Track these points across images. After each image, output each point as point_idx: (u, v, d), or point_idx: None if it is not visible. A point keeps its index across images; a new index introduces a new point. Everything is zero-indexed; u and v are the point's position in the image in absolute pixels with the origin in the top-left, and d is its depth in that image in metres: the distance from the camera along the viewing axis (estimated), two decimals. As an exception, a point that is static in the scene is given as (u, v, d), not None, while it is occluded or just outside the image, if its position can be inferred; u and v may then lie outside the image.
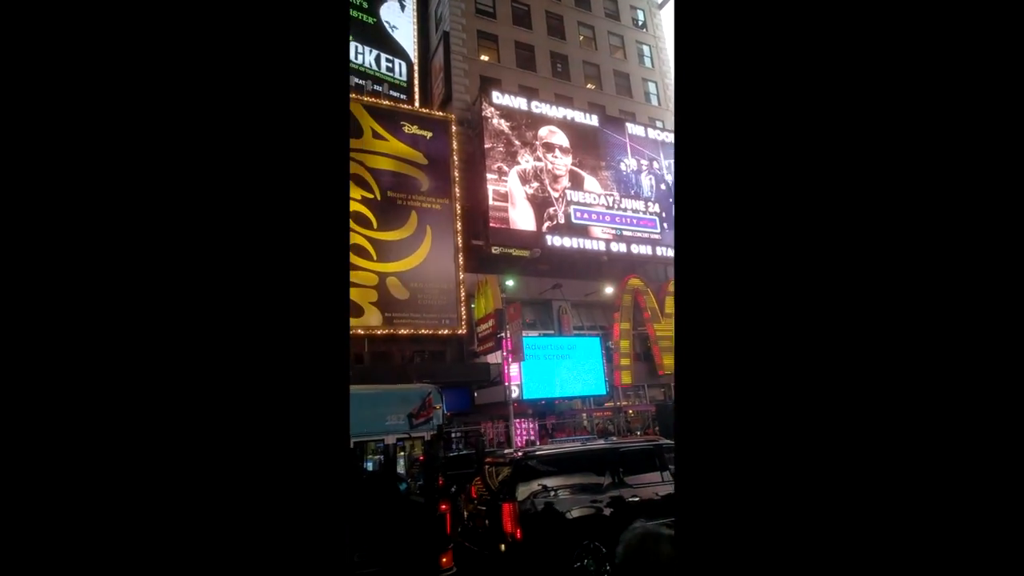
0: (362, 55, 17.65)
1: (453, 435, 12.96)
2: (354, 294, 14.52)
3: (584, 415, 16.46)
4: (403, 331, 15.08)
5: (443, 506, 5.39)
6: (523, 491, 5.57)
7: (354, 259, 14.74)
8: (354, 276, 14.60)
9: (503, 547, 5.45)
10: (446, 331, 15.66)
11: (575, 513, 5.59)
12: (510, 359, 13.70)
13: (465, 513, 6.78)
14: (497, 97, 18.36)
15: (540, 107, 19.15)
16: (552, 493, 5.64)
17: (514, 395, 13.88)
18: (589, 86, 22.40)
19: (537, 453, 6.26)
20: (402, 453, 6.24)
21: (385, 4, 18.84)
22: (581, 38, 22.94)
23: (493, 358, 15.33)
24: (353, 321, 14.23)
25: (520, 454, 6.23)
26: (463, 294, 15.97)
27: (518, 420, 14.18)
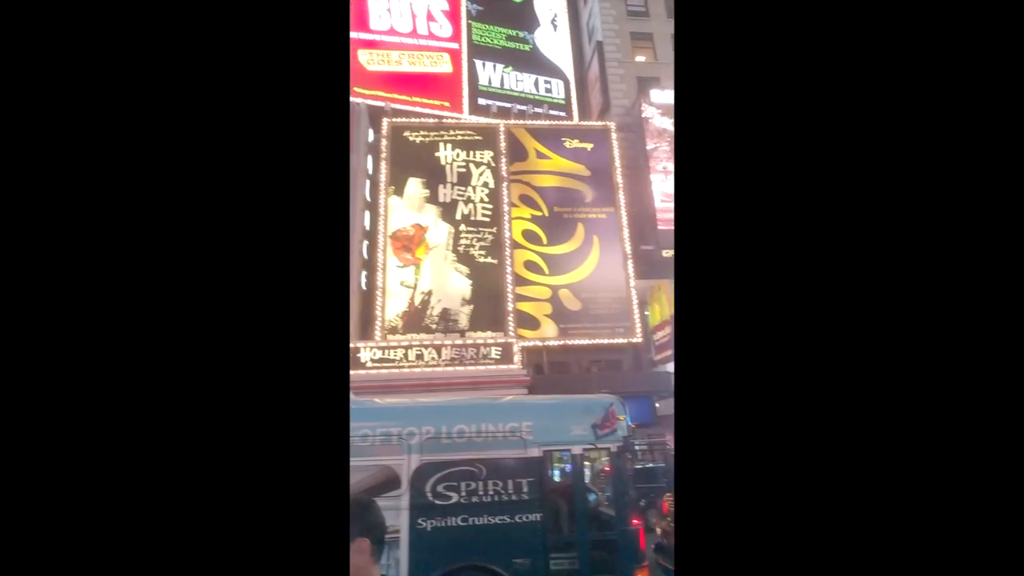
0: (522, 82, 18.66)
1: (637, 447, 12.63)
2: (529, 308, 15.23)
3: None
4: (578, 341, 15.28)
5: (634, 520, 5.27)
6: (721, 511, 5.15)
7: (528, 274, 15.50)
8: (528, 291, 15.35)
9: (703, 570, 5.09)
10: (621, 340, 15.43)
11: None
12: (692, 367, 12.87)
13: (658, 530, 6.52)
14: (656, 95, 17.73)
15: (705, 97, 17.93)
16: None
17: (700, 406, 12.97)
18: (761, 63, 20.24)
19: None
20: (588, 464, 6.29)
21: (538, 29, 19.69)
22: (747, 13, 20.91)
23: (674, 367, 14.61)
24: (530, 333, 14.92)
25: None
26: (636, 301, 15.59)
27: (706, 433, 13.15)
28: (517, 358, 14.21)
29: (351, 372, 12.89)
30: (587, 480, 6.01)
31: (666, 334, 14.40)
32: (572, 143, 16.97)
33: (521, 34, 19.32)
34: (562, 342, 15.21)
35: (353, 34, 17.33)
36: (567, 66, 19.61)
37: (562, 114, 18.60)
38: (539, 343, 15.18)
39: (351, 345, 13.43)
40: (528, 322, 15.13)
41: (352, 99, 16.55)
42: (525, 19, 19.58)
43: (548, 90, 18.95)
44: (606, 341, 15.44)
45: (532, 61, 19.14)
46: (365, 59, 17.30)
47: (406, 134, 16.46)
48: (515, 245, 15.69)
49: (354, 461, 5.12)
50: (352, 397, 7.04)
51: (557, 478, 6.82)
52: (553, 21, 20.04)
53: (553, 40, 19.83)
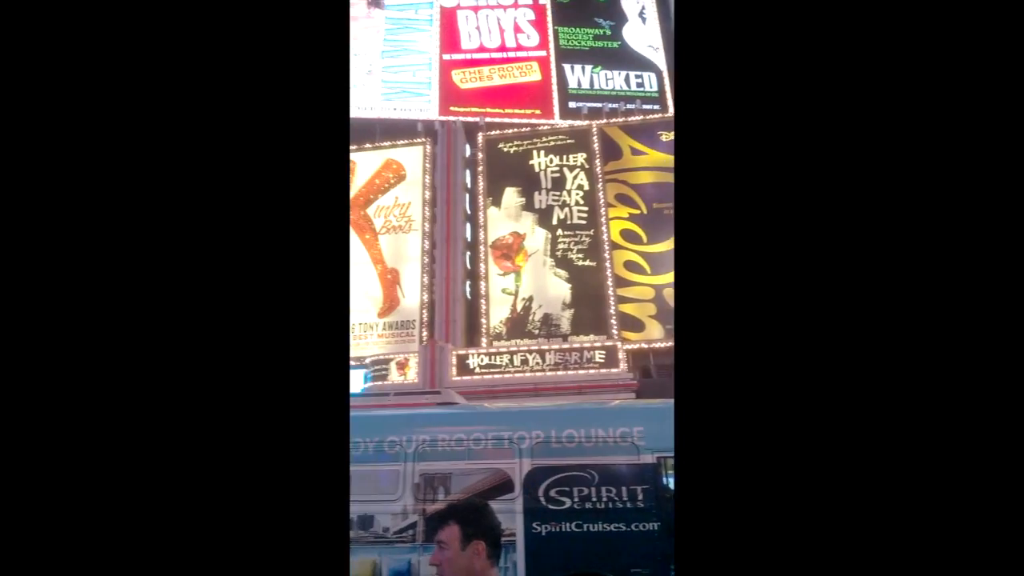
0: (612, 80, 18.33)
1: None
2: (633, 309, 14.79)
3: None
4: (687, 342, 14.54)
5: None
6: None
7: (629, 275, 15.09)
8: (631, 292, 14.92)
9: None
10: (736, 339, 14.43)
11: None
12: (822, 367, 11.65)
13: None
14: (761, 74, 16.49)
15: (819, 68, 16.32)
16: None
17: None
18: (886, 21, 17.95)
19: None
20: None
21: (626, 25, 19.23)
22: (865, -32, 18.71)
23: (798, 367, 13.32)
24: (635, 336, 14.47)
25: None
26: (750, 297, 14.51)
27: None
28: (622, 359, 13.86)
29: (461, 378, 13.43)
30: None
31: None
32: (668, 136, 16.28)
33: (608, 31, 19.00)
34: (669, 343, 14.55)
35: (446, 56, 18.23)
36: (658, 57, 18.91)
37: (656, 107, 17.95)
38: (644, 345, 14.67)
39: (459, 352, 13.99)
40: (632, 324, 14.70)
41: (447, 118, 17.37)
42: (612, 16, 19.23)
43: (640, 84, 18.40)
44: (718, 341, 14.52)
45: (622, 57, 18.73)
46: (459, 78, 18.07)
47: (500, 145, 16.89)
48: (614, 246, 15.36)
49: (468, 464, 5.30)
50: (463, 402, 7.31)
51: (674, 486, 6.52)
52: (641, 14, 19.46)
53: (642, 33, 19.24)
